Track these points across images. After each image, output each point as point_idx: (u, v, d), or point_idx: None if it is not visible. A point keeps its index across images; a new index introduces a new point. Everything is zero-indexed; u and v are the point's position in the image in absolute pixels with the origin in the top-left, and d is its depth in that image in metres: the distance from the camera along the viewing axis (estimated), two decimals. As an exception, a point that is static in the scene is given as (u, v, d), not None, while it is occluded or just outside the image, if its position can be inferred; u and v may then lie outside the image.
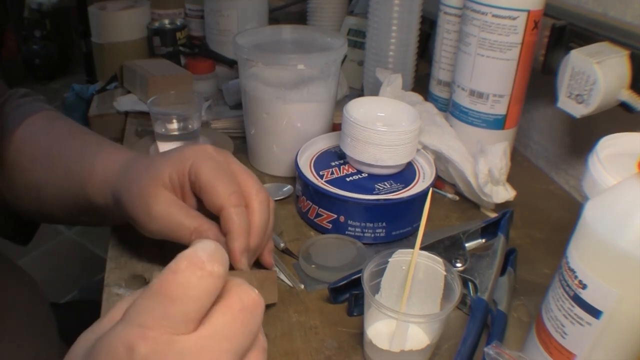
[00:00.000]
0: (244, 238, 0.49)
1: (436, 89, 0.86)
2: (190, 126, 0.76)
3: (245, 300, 0.30)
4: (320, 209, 0.64)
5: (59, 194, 0.59)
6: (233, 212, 0.48)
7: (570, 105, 0.65)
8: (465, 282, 0.53)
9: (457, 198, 0.73)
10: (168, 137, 0.76)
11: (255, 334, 0.31)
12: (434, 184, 0.65)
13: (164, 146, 0.77)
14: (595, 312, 0.38)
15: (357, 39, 1.02)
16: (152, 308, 0.28)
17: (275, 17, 1.22)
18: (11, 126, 0.61)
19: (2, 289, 0.58)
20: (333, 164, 0.69)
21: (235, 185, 0.50)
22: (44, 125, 0.63)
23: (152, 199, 0.50)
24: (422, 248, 0.49)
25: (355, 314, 0.54)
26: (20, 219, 0.67)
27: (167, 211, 0.50)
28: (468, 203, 0.72)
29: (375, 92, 0.81)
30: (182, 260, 0.28)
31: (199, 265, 0.28)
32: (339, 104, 0.80)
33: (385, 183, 0.65)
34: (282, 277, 0.58)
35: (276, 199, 0.72)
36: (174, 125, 0.76)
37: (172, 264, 0.28)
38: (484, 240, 0.61)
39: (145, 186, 0.50)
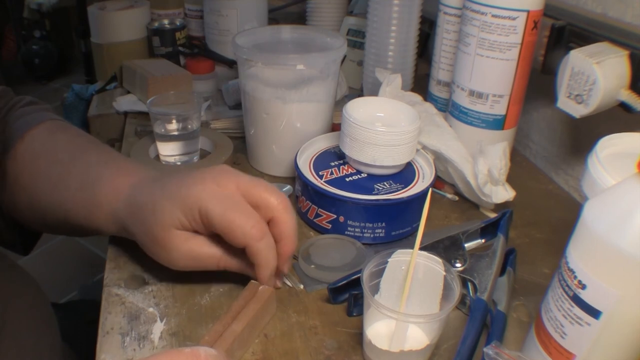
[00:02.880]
0: (271, 267, 0.50)
1: (435, 89, 0.86)
2: (189, 126, 0.76)
3: None
4: (319, 209, 0.64)
5: (65, 220, 0.57)
6: (257, 248, 0.48)
7: (569, 105, 0.65)
8: (464, 282, 0.53)
9: (457, 198, 0.73)
10: (168, 137, 0.76)
11: None
12: (433, 184, 0.65)
13: (163, 146, 0.77)
14: (594, 313, 0.38)
15: (356, 39, 1.02)
16: None
17: (275, 17, 1.23)
18: (13, 139, 0.60)
19: (4, 290, 0.58)
20: (332, 164, 0.69)
21: (252, 215, 0.48)
22: (44, 141, 0.61)
23: (168, 245, 0.49)
24: (421, 248, 0.49)
25: (354, 314, 0.54)
26: (21, 228, 0.66)
27: (187, 250, 0.50)
28: (467, 203, 0.72)
29: (374, 92, 0.81)
30: None
31: None
32: (339, 104, 0.80)
33: (385, 183, 0.65)
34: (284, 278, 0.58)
35: (276, 199, 0.72)
36: (174, 125, 0.76)
37: None
38: (483, 241, 0.61)
39: (157, 233, 0.49)
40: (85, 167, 0.57)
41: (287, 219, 0.50)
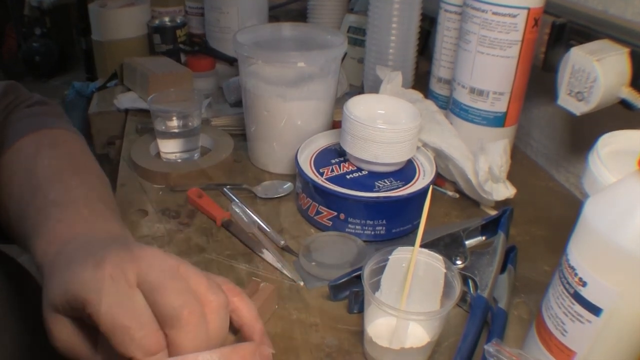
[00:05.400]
0: None
1: (436, 87, 0.86)
2: (190, 124, 0.76)
3: None
4: (320, 207, 0.64)
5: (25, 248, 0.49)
6: None
7: (570, 102, 0.65)
8: (465, 280, 0.54)
9: (457, 196, 0.73)
10: (168, 135, 0.76)
11: None
12: (434, 182, 0.65)
13: (164, 144, 0.77)
14: (595, 310, 0.38)
15: (357, 37, 1.02)
16: None
17: (275, 14, 1.23)
18: (4, 146, 0.54)
19: (4, 287, 0.58)
20: (333, 161, 0.69)
21: (147, 323, 0.35)
22: (28, 156, 0.53)
23: (49, 330, 0.40)
24: (422, 245, 0.49)
25: (355, 311, 0.54)
26: None
27: (65, 345, 0.39)
28: (468, 201, 0.72)
29: (375, 89, 0.81)
30: None
31: None
32: (339, 101, 0.80)
33: (386, 180, 0.65)
34: (285, 271, 0.58)
35: (276, 196, 0.72)
36: (174, 122, 0.76)
37: None
38: (484, 238, 0.61)
39: (45, 313, 0.40)
40: (42, 204, 0.48)
41: (182, 340, 0.36)
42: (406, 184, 0.65)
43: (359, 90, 0.99)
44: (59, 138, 0.56)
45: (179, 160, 0.78)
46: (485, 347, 0.43)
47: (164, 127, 0.76)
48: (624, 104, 0.63)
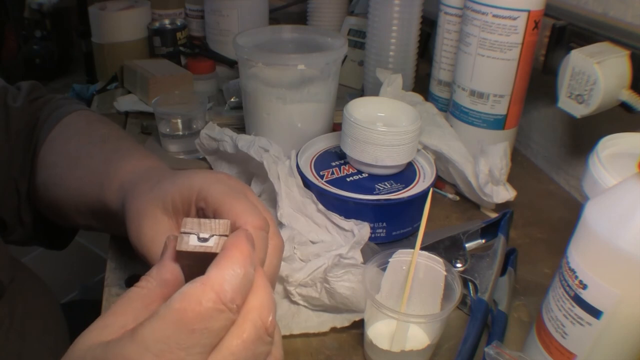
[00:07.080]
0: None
1: (436, 89, 0.86)
2: (194, 126, 0.77)
3: (259, 327, 0.30)
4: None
5: (76, 192, 0.55)
6: (257, 235, 0.36)
7: (570, 105, 0.65)
8: (465, 283, 0.54)
9: (458, 198, 0.73)
10: (172, 137, 0.77)
11: (264, 357, 0.31)
12: (434, 184, 0.65)
13: (167, 146, 0.77)
14: (595, 312, 0.38)
15: (357, 39, 1.02)
16: (170, 337, 0.27)
17: (276, 17, 1.22)
18: (50, 126, 0.61)
19: (19, 292, 0.58)
20: (333, 164, 0.69)
21: (257, 209, 0.39)
22: (82, 126, 0.61)
23: (144, 219, 0.44)
24: (422, 248, 0.49)
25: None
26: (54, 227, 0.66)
27: (153, 236, 0.44)
28: (468, 203, 0.72)
29: (375, 92, 0.81)
30: (208, 292, 0.28)
31: (225, 301, 0.28)
32: (340, 103, 0.80)
33: (386, 183, 0.65)
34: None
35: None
36: (179, 125, 0.76)
37: (196, 290, 0.28)
38: (484, 241, 0.61)
39: (144, 205, 0.45)
40: (117, 147, 0.56)
41: (271, 256, 0.40)
42: (406, 187, 0.65)
43: (359, 92, 0.99)
44: (100, 117, 0.64)
45: (180, 163, 0.78)
46: (486, 349, 0.43)
47: (168, 130, 0.76)
48: (624, 106, 0.63)
